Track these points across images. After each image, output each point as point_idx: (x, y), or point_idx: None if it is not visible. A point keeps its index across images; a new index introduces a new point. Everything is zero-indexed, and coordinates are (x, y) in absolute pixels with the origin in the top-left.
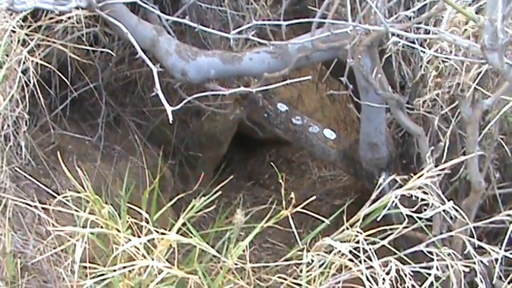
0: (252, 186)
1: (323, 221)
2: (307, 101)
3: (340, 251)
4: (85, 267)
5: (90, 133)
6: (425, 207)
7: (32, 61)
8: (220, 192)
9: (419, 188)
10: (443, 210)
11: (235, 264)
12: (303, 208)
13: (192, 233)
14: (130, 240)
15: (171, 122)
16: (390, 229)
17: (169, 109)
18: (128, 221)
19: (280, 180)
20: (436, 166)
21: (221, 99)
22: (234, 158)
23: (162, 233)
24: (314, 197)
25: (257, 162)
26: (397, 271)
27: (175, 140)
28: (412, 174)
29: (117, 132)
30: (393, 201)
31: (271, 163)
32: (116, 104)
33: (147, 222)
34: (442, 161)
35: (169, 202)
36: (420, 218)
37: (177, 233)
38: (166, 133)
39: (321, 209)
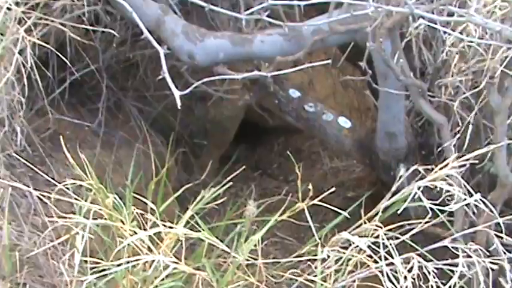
0: (260, 177)
1: (337, 214)
2: (318, 87)
3: (357, 246)
4: (85, 262)
5: (90, 118)
6: (448, 201)
7: (29, 41)
8: (229, 184)
9: (443, 179)
10: (466, 205)
11: (246, 260)
12: (314, 200)
13: (200, 227)
14: (136, 233)
15: (179, 107)
16: (409, 224)
17: (177, 94)
18: (133, 213)
19: (296, 171)
20: (458, 158)
21: (228, 84)
22: (241, 147)
23: (170, 227)
24: (331, 189)
25: (265, 151)
26: (420, 268)
27: (179, 126)
28: (432, 166)
29: (117, 118)
30: (414, 194)
31: (281, 152)
32: (117, 88)
33: (153, 214)
34: (465, 153)
35: (172, 192)
36: (443, 212)
37: (184, 226)
38: (170, 119)
39: (333, 201)
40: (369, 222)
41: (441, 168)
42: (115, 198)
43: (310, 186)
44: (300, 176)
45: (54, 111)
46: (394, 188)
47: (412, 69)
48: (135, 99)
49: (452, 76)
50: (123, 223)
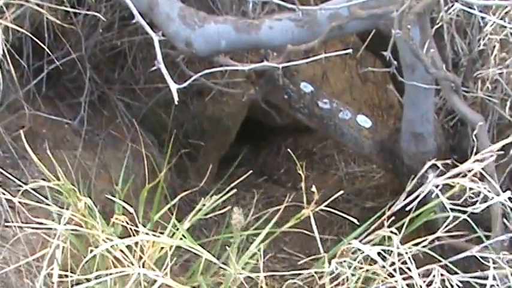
0: (265, 183)
1: (354, 227)
2: (333, 80)
3: (370, 257)
4: (60, 276)
5: (70, 115)
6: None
7: (0, 24)
8: (231, 191)
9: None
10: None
11: (242, 274)
12: (326, 209)
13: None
14: (111, 240)
15: (176, 102)
16: (431, 233)
17: (174, 87)
18: (117, 220)
19: (307, 177)
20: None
21: (229, 76)
22: (243, 148)
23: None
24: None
25: (271, 154)
26: (442, 282)
27: (173, 124)
28: (465, 172)
29: (102, 114)
30: (436, 194)
31: (289, 155)
32: (102, 80)
33: (145, 226)
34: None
35: (165, 199)
36: (471, 214)
37: (171, 236)
38: (162, 116)
39: (349, 212)
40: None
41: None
42: (87, 202)
43: (316, 195)
44: (311, 183)
45: (29, 106)
46: (415, 194)
47: (444, 61)
48: (123, 93)
49: (490, 68)
50: (102, 231)
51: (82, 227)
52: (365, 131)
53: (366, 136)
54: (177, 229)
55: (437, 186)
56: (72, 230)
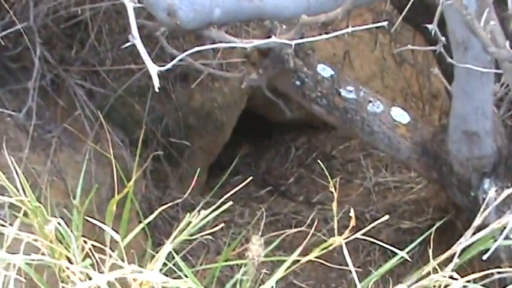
0: (269, 196)
1: (386, 254)
2: (359, 62)
3: None
4: None
5: (13, 105)
6: None
7: None
8: (225, 205)
9: None
10: None
11: None
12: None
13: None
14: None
15: (156, 89)
16: (488, 263)
17: (154, 69)
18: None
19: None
20: None
21: (224, 55)
22: (241, 151)
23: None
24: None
25: (277, 158)
26: None
27: (149, 119)
28: None
29: (56, 104)
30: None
31: (301, 160)
32: (56, 60)
33: (113, 250)
34: None
35: (138, 217)
36: None
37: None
38: (134, 108)
39: (380, 234)
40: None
41: None
42: (60, 224)
43: (353, 220)
44: (329, 195)
45: None
46: (478, 220)
47: (508, 36)
48: (83, 77)
49: None
50: (71, 262)
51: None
52: (401, 128)
53: (402, 135)
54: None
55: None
56: (35, 260)
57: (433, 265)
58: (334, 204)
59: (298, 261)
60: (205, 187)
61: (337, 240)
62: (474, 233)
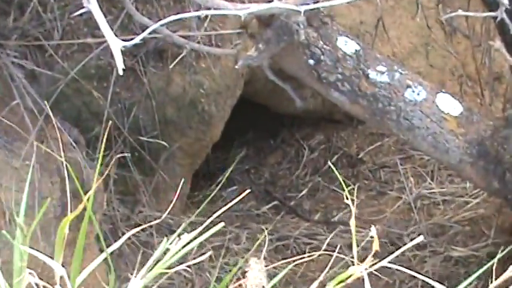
0: (274, 213)
1: None
2: (394, 33)
3: None
4: None
5: None
6: None
7: None
8: (216, 226)
9: None
10: None
11: None
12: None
13: None
14: None
15: (120, 72)
16: None
17: (118, 45)
18: None
19: (346, 202)
20: None
21: (212, 25)
22: (236, 153)
23: None
24: (420, 239)
25: (284, 163)
26: None
27: (112, 110)
28: None
29: None
30: None
31: (315, 165)
32: None
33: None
34: None
35: (98, 243)
36: None
37: None
38: (92, 96)
39: (423, 264)
40: None
41: None
42: None
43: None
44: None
45: None
46: None
47: None
48: (23, 54)
49: None
50: None
51: None
52: (451, 121)
53: (452, 131)
54: None
55: None
56: None
57: None
58: (352, 222)
59: None
60: (189, 202)
61: (358, 270)
62: None
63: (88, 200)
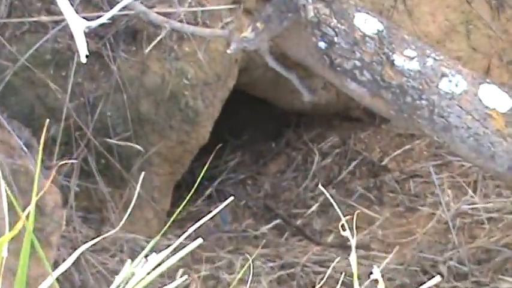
0: (275, 234)
1: None
2: (427, 8)
3: None
4: None
5: None
6: None
7: None
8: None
9: None
10: None
11: None
12: None
13: None
14: None
15: (83, 60)
16: None
17: (80, 25)
18: None
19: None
20: None
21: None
22: (228, 160)
23: None
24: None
25: (289, 172)
26: None
27: (73, 106)
28: None
29: None
30: None
31: (328, 173)
32: None
33: None
34: None
35: (56, 265)
36: None
37: None
38: (48, 88)
39: None
40: None
41: None
42: None
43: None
44: (379, 233)
45: None
46: None
47: None
48: None
49: None
50: None
51: None
52: (498, 120)
53: (499, 131)
54: None
55: None
56: None
57: None
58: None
59: None
60: (169, 220)
61: None
62: None
63: (28, 217)
